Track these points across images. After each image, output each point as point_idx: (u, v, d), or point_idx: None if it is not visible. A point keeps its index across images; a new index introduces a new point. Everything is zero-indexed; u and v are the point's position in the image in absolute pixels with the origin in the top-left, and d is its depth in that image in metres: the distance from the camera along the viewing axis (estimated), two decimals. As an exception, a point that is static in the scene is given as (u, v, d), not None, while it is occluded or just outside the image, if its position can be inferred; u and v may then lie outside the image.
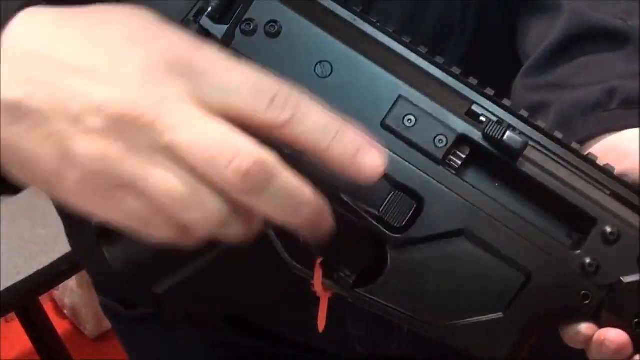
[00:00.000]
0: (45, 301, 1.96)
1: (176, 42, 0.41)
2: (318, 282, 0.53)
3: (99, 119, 0.39)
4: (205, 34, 0.49)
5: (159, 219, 0.41)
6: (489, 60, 0.72)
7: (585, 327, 0.50)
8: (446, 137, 0.49)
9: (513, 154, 0.49)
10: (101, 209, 0.42)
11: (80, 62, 0.41)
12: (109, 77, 0.40)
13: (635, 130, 0.57)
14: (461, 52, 0.69)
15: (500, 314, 0.50)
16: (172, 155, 0.39)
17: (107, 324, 1.97)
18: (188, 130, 0.39)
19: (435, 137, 0.50)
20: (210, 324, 0.81)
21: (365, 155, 0.41)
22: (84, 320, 2.07)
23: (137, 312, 0.81)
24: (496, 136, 0.48)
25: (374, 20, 0.52)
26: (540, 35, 0.65)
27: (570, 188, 0.50)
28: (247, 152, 0.39)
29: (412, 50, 0.52)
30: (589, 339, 0.50)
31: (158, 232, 0.42)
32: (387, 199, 0.50)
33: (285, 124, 0.39)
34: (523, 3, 0.69)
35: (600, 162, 0.52)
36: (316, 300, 0.56)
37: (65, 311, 2.12)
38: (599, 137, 0.58)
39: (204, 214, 0.40)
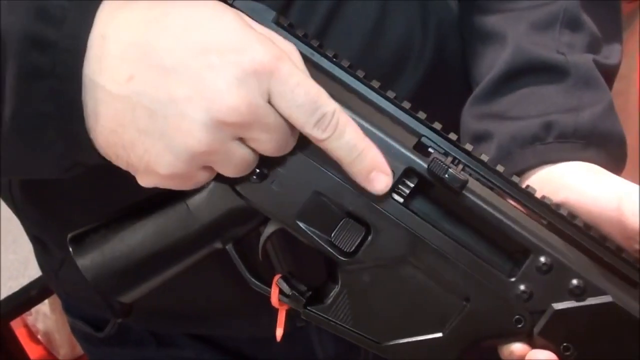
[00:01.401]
0: (18, 326, 1.95)
1: (262, 52, 0.47)
2: (275, 297, 0.56)
3: (203, 115, 0.46)
4: None
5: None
6: (448, 85, 0.75)
7: (518, 348, 0.54)
8: (393, 170, 0.52)
9: (454, 190, 0.52)
10: (178, 185, 0.50)
11: (180, 68, 0.47)
12: (210, 86, 0.46)
13: (570, 163, 0.60)
14: (419, 75, 0.71)
15: (439, 334, 0.54)
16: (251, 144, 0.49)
17: (80, 349, 1.96)
18: (272, 136, 0.49)
19: None
20: (177, 343, 0.82)
21: (376, 175, 0.51)
22: (58, 345, 2.06)
23: (106, 332, 0.83)
24: (439, 174, 0.52)
25: (331, 55, 0.55)
26: (488, 65, 0.68)
27: (509, 219, 0.53)
28: None
29: (365, 85, 0.55)
30: (522, 358, 0.54)
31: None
32: (339, 226, 0.54)
33: (324, 140, 0.49)
34: (475, 32, 0.72)
35: (538, 194, 0.55)
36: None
37: (39, 336, 2.11)
38: (537, 168, 0.61)
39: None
